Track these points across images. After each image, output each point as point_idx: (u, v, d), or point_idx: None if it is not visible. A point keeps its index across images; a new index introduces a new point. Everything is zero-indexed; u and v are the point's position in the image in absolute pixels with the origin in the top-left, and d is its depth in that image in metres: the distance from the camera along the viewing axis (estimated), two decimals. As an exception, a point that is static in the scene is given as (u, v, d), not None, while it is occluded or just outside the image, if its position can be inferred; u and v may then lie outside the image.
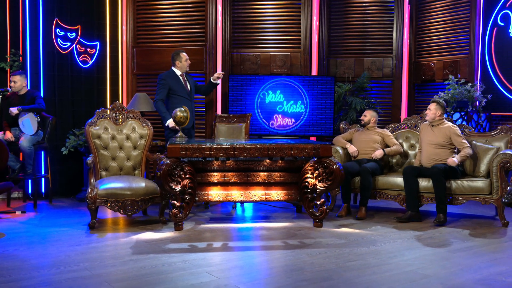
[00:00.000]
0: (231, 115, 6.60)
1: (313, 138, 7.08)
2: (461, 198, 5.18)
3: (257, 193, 5.05)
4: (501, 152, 5.13)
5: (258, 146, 4.77)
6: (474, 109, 6.59)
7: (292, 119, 6.93)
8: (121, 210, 4.78)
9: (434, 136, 5.37)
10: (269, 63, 7.21)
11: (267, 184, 5.06)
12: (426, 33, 7.48)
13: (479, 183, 5.15)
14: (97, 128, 5.25)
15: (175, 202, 4.72)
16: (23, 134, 5.84)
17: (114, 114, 5.39)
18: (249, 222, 5.23)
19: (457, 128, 5.37)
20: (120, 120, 5.39)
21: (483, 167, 5.31)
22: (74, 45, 6.77)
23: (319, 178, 4.93)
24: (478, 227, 5.03)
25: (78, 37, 6.81)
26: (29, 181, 6.29)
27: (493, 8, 6.82)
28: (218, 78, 6.24)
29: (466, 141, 5.26)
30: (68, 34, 6.72)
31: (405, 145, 5.92)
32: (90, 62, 6.94)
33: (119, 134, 5.34)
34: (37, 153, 6.02)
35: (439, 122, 5.40)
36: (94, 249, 4.08)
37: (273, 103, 6.92)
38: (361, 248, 4.16)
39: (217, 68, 7.01)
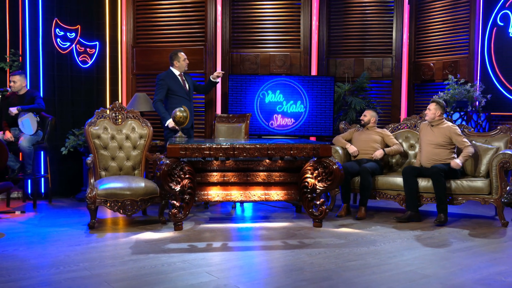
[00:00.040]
0: (230, 115, 6.60)
1: (312, 138, 7.08)
2: (460, 198, 5.19)
3: (257, 193, 5.05)
4: (500, 152, 5.13)
5: (258, 146, 4.77)
6: (473, 109, 6.59)
7: (292, 119, 6.93)
8: (121, 210, 4.78)
9: (434, 136, 5.37)
10: (268, 63, 7.21)
11: (266, 184, 5.06)
12: (425, 33, 7.48)
13: (479, 183, 5.15)
14: (96, 128, 5.25)
15: (175, 202, 4.72)
16: (22, 134, 5.84)
17: (113, 114, 5.39)
18: (248, 222, 5.23)
19: (457, 127, 5.37)
20: (119, 120, 5.39)
21: (482, 167, 5.32)
22: (73, 45, 6.77)
23: (318, 178, 4.93)
24: (477, 227, 5.03)
25: (78, 37, 6.81)
26: (29, 181, 6.29)
27: (493, 8, 6.82)
28: (218, 77, 6.25)
29: (467, 140, 5.26)
30: (68, 34, 6.72)
31: (405, 145, 5.92)
32: (90, 62, 6.94)
33: (119, 134, 5.34)
34: (37, 153, 6.02)
35: (439, 122, 5.40)
36: (93, 249, 4.08)
37: (272, 103, 6.92)
38: (361, 248, 4.16)
39: (216, 68, 7.01)
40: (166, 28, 7.17)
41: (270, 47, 7.23)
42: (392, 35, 7.39)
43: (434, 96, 6.37)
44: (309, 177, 4.95)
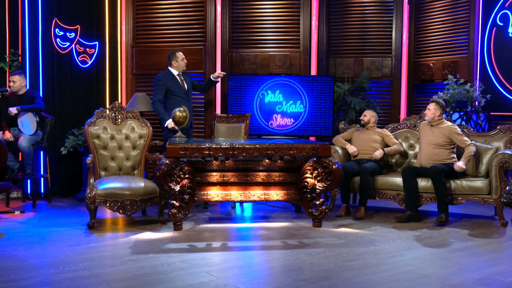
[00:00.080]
0: (230, 115, 6.60)
1: (312, 138, 7.07)
2: (460, 198, 5.19)
3: (256, 193, 5.05)
4: (500, 152, 5.13)
5: (257, 146, 4.77)
6: (473, 109, 6.59)
7: (291, 119, 6.93)
8: (120, 210, 4.78)
9: (434, 136, 5.37)
10: (268, 63, 7.21)
11: (266, 184, 5.06)
12: (425, 33, 7.48)
13: (478, 183, 5.15)
14: (96, 128, 5.25)
15: (174, 202, 4.72)
16: (22, 134, 5.84)
17: (113, 114, 5.39)
18: (248, 222, 5.23)
19: (457, 127, 5.37)
20: (119, 120, 5.39)
21: (482, 167, 5.32)
22: (73, 45, 6.77)
23: (318, 178, 4.93)
24: (477, 227, 5.03)
25: (77, 37, 6.80)
26: (28, 181, 6.29)
27: (492, 8, 6.82)
28: (219, 77, 6.25)
29: (467, 139, 5.27)
30: (67, 34, 6.71)
31: (404, 145, 5.92)
32: (89, 62, 6.94)
33: (118, 134, 5.34)
34: (36, 153, 6.02)
35: (438, 122, 5.40)
36: (93, 249, 4.08)
37: (272, 103, 6.92)
38: (360, 248, 4.16)
39: (216, 68, 7.01)
40: (166, 28, 7.17)
41: (270, 47, 7.23)
42: (391, 35, 7.39)
43: (433, 96, 6.37)
44: (309, 177, 4.95)
